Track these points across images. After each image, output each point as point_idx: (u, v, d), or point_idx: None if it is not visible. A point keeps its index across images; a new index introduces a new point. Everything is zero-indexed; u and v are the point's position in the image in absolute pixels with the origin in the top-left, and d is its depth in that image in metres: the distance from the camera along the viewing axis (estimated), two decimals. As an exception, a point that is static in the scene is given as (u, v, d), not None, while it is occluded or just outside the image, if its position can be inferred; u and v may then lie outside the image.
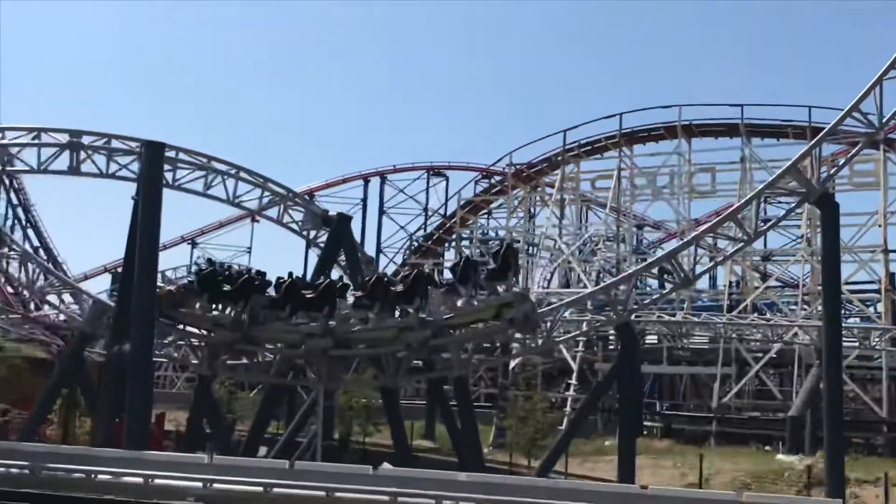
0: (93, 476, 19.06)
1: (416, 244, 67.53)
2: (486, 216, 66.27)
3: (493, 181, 64.08)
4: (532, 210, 61.09)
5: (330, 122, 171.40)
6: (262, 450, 31.91)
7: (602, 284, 33.26)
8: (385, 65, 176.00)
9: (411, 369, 30.10)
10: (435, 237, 64.87)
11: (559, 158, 55.85)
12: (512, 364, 43.01)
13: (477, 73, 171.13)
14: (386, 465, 21.29)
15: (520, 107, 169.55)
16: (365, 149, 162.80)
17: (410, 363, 28.43)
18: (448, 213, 66.81)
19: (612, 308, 27.01)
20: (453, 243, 63.96)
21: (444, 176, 72.07)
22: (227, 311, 26.77)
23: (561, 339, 31.37)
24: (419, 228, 71.10)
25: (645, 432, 36.10)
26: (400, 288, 26.64)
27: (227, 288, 27.02)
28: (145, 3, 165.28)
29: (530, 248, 60.71)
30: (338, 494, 18.11)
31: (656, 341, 46.16)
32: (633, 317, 29.86)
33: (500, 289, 26.41)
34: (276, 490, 18.26)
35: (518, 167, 58.45)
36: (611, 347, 43.69)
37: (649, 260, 39.14)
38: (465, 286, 26.45)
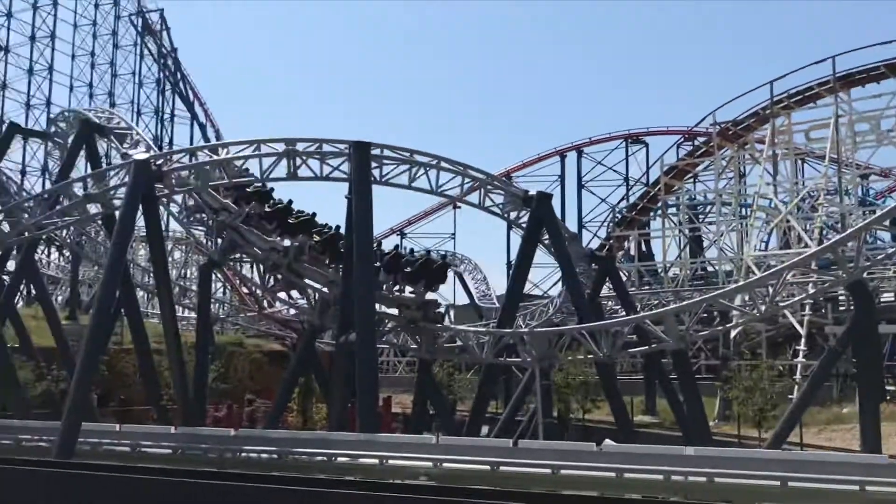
0: (333, 459, 20.38)
1: (619, 216, 66.07)
2: (691, 181, 63.53)
3: (696, 143, 61.27)
4: (742, 169, 57.73)
5: (520, 101, 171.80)
6: (484, 429, 32.71)
7: (827, 243, 30.80)
8: (570, 35, 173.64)
9: (626, 344, 29.65)
10: (639, 207, 63.04)
11: (767, 112, 52.27)
12: (733, 333, 41.05)
13: (669, 30, 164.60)
14: (608, 442, 21.08)
15: (719, 62, 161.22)
16: (558, 124, 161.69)
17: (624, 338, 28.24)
18: (651, 181, 64.79)
19: (840, 267, 25.04)
20: (659, 212, 61.92)
21: (643, 143, 69.98)
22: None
23: (785, 303, 29.52)
24: (621, 200, 69.57)
25: (888, 397, 33.20)
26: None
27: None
28: (337, 15, 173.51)
29: (743, 209, 57.56)
30: (563, 472, 18.20)
31: (893, 298, 42.38)
32: (864, 274, 27.45)
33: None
34: (503, 468, 18.65)
35: (723, 125, 55.42)
36: (841, 308, 40.55)
37: (880, 212, 35.78)
38: (391, 275, 31.55)
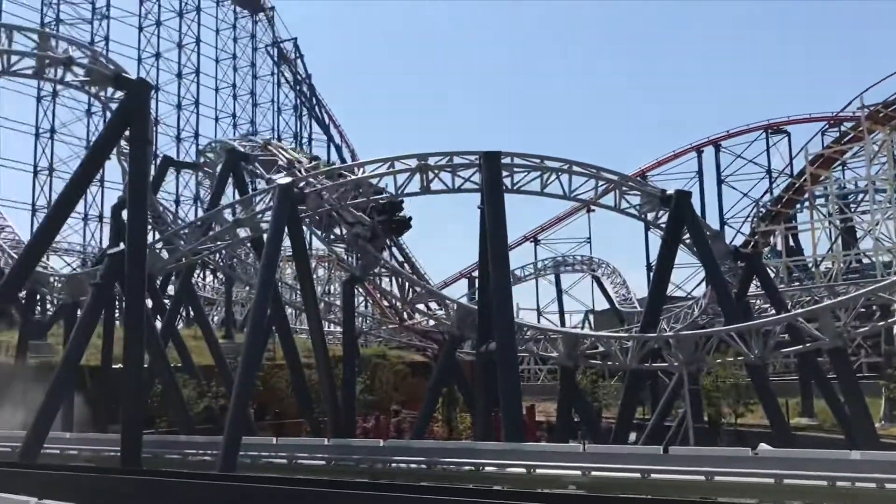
0: (480, 468, 20.50)
1: (763, 210, 63.28)
2: (840, 169, 60.08)
3: (843, 129, 57.96)
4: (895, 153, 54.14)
5: (651, 98, 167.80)
6: (632, 436, 32.04)
7: None
8: (697, 26, 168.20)
9: (778, 343, 28.36)
10: (784, 200, 60.18)
11: (922, 90, 48.82)
12: (896, 328, 38.49)
13: (805, 10, 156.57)
14: (764, 446, 20.23)
15: (863, 41, 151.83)
16: (692, 119, 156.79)
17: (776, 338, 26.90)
18: (795, 172, 61.76)
19: None
20: (806, 204, 58.85)
21: (784, 132, 66.80)
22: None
23: (956, 294, 27.42)
24: (764, 193, 66.64)
25: None
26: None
27: None
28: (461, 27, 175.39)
29: (899, 195, 53.82)
30: (718, 479, 17.57)
31: None
32: None
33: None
34: (653, 476, 18.20)
35: (872, 108, 52.16)
36: None
37: None
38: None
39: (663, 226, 31.74)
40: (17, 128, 72.20)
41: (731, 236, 63.70)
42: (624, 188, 31.75)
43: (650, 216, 32.46)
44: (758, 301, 42.21)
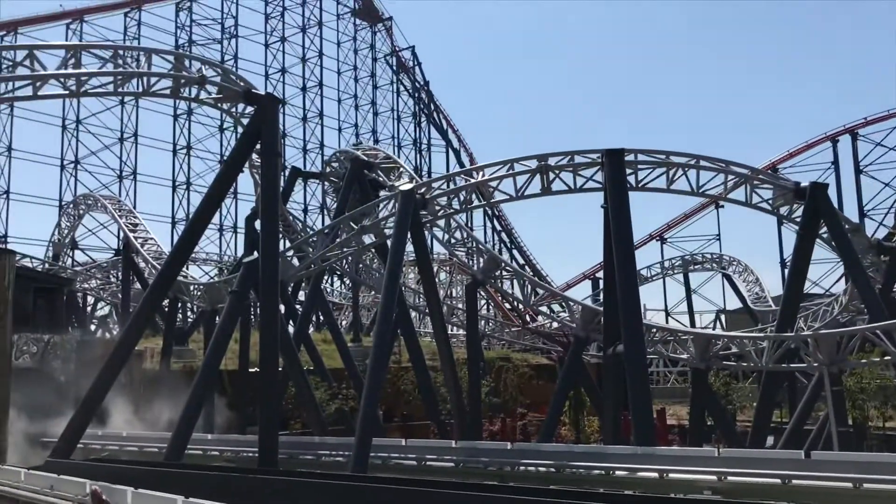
0: (611, 472, 20.09)
1: (908, 201, 59.47)
2: None
3: None
4: None
5: (778, 88, 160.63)
6: (769, 440, 30.72)
7: None
8: (827, 6, 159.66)
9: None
10: (932, 189, 56.40)
11: None
12: None
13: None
14: (918, 452, 18.89)
15: None
16: (825, 107, 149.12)
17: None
18: (945, 159, 57.79)
19: None
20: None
21: (930, 117, 62.69)
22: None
23: None
24: (909, 182, 62.69)
25: None
26: None
27: None
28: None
29: None
30: (867, 486, 16.56)
31: None
32: None
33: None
34: (795, 482, 17.35)
35: None
36: None
37: None
38: None
39: (798, 220, 30.26)
40: (157, 146, 76.74)
41: (872, 229, 60.31)
42: (755, 182, 30.44)
43: (783, 210, 31.00)
44: (905, 297, 39.65)
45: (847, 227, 31.65)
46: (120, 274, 56.12)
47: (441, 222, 33.25)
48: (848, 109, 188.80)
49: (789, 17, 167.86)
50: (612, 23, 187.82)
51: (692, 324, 66.15)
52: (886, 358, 26.57)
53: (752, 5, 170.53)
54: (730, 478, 18.25)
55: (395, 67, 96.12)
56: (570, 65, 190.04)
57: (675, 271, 68.50)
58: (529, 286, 38.23)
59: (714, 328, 64.61)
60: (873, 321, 27.71)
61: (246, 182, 79.61)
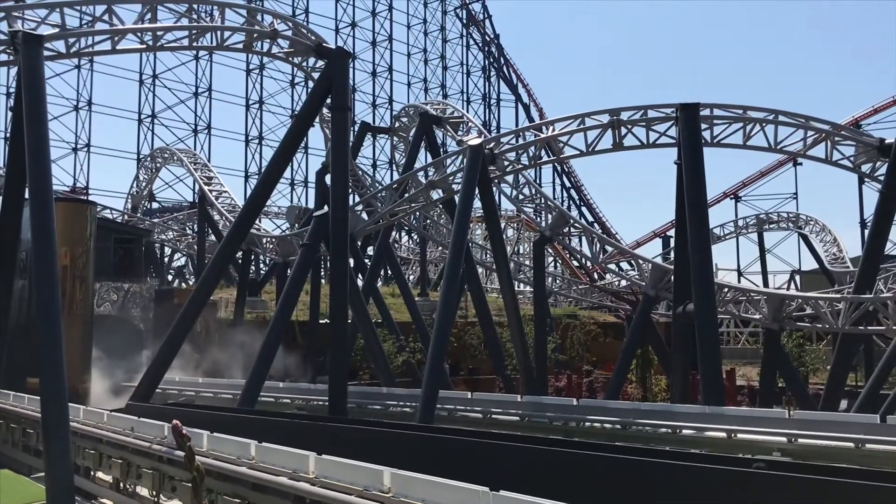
0: (678, 431, 19.94)
1: None
2: None
3: None
4: None
5: (863, 39, 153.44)
6: (843, 403, 30.03)
7: None
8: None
9: None
10: None
11: None
12: None
13: None
14: None
15: None
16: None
17: None
18: None
19: None
20: None
21: None
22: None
23: None
24: None
25: None
26: None
27: None
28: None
29: None
30: (946, 452, 16.08)
31: None
32: None
33: None
34: (869, 446, 16.94)
35: None
36: None
37: None
38: None
39: (881, 179, 29.08)
40: (230, 100, 77.99)
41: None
42: (836, 138, 29.30)
43: (866, 168, 29.81)
44: None
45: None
46: (195, 226, 57.65)
47: (509, 178, 33.08)
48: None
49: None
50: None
51: (765, 284, 64.66)
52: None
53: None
54: (800, 440, 17.92)
55: (464, 21, 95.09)
56: (644, 18, 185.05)
57: (749, 230, 66.78)
58: (598, 243, 37.84)
59: (788, 289, 63.01)
60: (958, 284, 26.67)
61: (316, 137, 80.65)
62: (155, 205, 69.34)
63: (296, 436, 15.34)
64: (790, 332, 34.70)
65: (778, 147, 29.23)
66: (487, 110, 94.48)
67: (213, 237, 53.26)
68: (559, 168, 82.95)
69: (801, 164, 64.72)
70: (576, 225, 36.84)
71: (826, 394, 28.95)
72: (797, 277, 67.25)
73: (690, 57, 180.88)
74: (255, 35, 26.81)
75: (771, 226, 66.39)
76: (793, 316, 30.03)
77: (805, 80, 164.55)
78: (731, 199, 70.08)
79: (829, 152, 29.32)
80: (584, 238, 38.45)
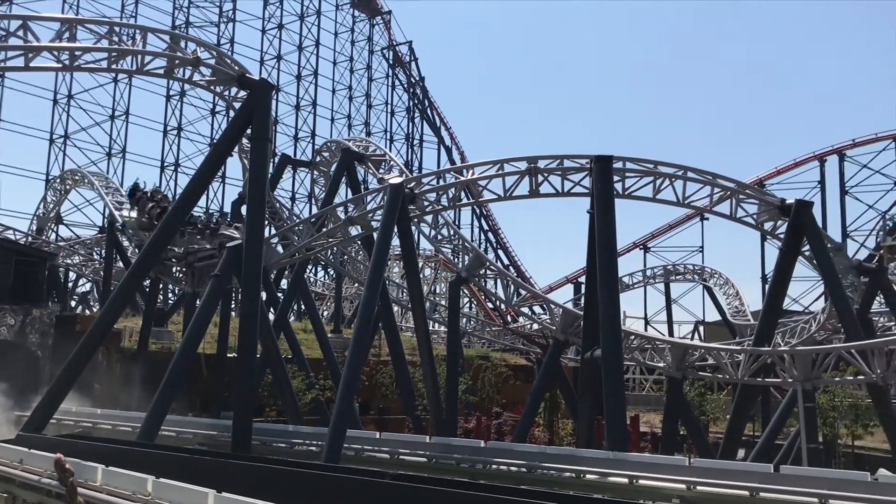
0: (582, 476, 20.20)
1: (890, 224, 60.09)
2: (979, 181, 56.43)
3: (983, 139, 54.39)
4: None
5: (770, 104, 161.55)
6: (740, 452, 30.97)
7: None
8: (824, 29, 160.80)
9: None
10: (915, 213, 56.99)
11: None
12: None
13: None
14: (884, 472, 19.07)
15: None
16: (815, 127, 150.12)
17: None
18: (928, 184, 58.41)
19: None
20: (940, 217, 55.46)
21: (917, 142, 63.31)
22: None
23: None
24: (892, 206, 63.39)
25: None
26: None
27: None
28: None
29: None
30: (832, 502, 16.73)
31: None
32: None
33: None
34: (763, 494, 17.51)
35: None
36: None
37: None
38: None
39: (781, 237, 30.51)
40: (148, 125, 76.37)
41: (853, 250, 61.00)
42: (741, 196, 30.65)
43: (768, 226, 31.24)
44: (881, 318, 40.12)
45: (829, 246, 31.92)
46: (103, 251, 55.82)
47: (429, 218, 33.30)
48: (837, 130, 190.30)
49: (780, 37, 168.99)
50: (608, 32, 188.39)
51: (670, 333, 66.59)
52: (860, 378, 26.87)
53: (756, 12, 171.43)
54: (699, 487, 18.39)
55: (391, 61, 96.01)
56: (564, 69, 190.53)
57: (657, 280, 68.96)
58: (512, 286, 38.34)
59: (692, 339, 65.00)
60: (849, 341, 28.01)
61: (235, 166, 79.36)
62: (62, 228, 66.94)
63: (196, 472, 14.91)
64: (692, 381, 35.73)
65: (686, 202, 30.32)
66: (410, 150, 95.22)
67: (120, 264, 51.66)
68: (478, 211, 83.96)
69: (707, 218, 67.30)
70: (492, 267, 37.27)
71: (725, 442, 29.84)
72: (701, 328, 69.52)
73: (610, 109, 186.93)
74: (177, 61, 26.49)
75: (677, 277, 68.69)
76: (695, 365, 30.96)
77: (715, 139, 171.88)
78: (641, 249, 72.31)
79: (734, 209, 30.60)
80: (499, 280, 38.93)
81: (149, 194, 44.17)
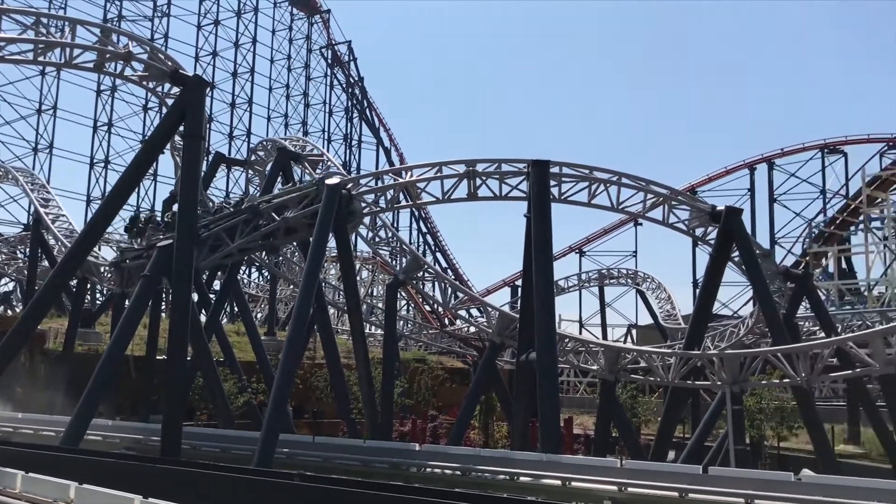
0: (515, 478, 20.31)
1: (815, 231, 62.09)
2: (898, 191, 58.71)
3: (903, 150, 56.68)
4: (958, 178, 52.68)
5: (704, 112, 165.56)
6: (671, 454, 31.54)
7: None
8: (755, 40, 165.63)
9: (826, 367, 27.68)
10: (838, 221, 58.98)
11: None
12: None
13: (868, 30, 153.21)
14: (807, 472, 19.65)
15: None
16: (746, 135, 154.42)
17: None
18: (851, 194, 60.49)
19: None
20: (861, 226, 57.55)
21: (841, 153, 65.52)
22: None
23: None
24: (818, 214, 65.49)
25: None
26: None
27: None
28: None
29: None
30: (758, 502, 17.16)
31: None
32: None
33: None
34: (692, 495, 17.85)
35: (934, 131, 50.84)
36: None
37: None
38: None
39: (712, 242, 31.22)
40: (77, 120, 74.14)
41: (781, 256, 62.76)
42: (673, 202, 31.29)
43: (699, 232, 31.95)
44: (807, 323, 41.40)
45: (758, 252, 32.80)
46: (28, 250, 53.95)
47: (366, 220, 33.07)
48: (767, 139, 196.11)
49: (716, 45, 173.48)
50: (547, 35, 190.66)
51: (604, 336, 67.58)
52: (786, 381, 27.63)
53: (695, 21, 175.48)
54: (630, 489, 18.68)
55: (329, 61, 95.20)
56: (504, 72, 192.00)
57: (592, 284, 69.92)
58: (450, 289, 38.37)
59: (625, 342, 66.08)
60: (776, 344, 28.79)
61: (167, 164, 77.76)
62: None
63: (122, 477, 14.44)
64: (625, 384, 36.28)
65: (620, 207, 30.80)
66: (348, 151, 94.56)
67: (46, 263, 49.99)
68: (416, 213, 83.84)
69: (641, 224, 68.53)
70: (430, 270, 37.24)
71: (656, 444, 30.36)
72: (634, 331, 70.73)
73: (550, 113, 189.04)
74: (108, 56, 25.78)
75: (611, 281, 69.79)
76: (628, 368, 31.45)
77: (650, 146, 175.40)
78: (577, 253, 73.23)
79: (667, 215, 31.21)
80: (436, 283, 38.90)
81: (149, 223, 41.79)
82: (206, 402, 35.73)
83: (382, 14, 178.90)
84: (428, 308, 69.43)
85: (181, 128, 26.64)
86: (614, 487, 18.77)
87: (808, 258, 59.19)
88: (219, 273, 42.47)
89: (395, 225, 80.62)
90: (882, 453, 31.57)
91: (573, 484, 19.42)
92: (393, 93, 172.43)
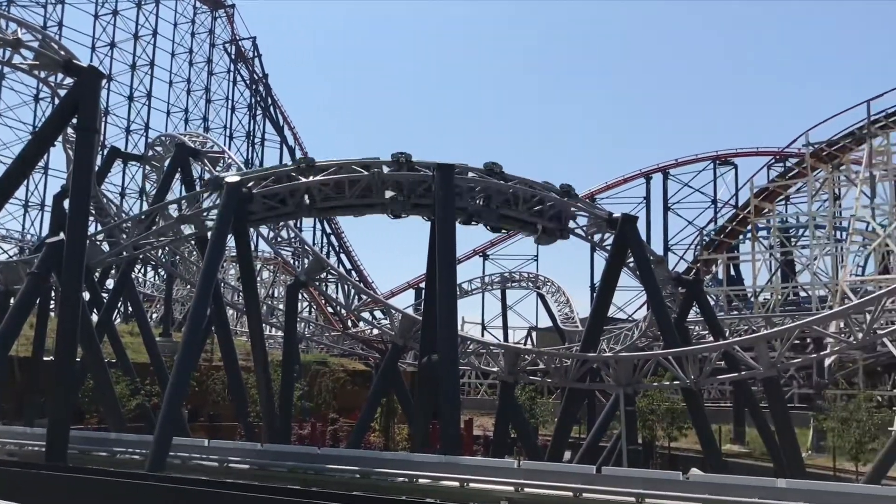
0: (414, 480, 20.35)
1: (706, 239, 64.64)
2: (783, 203, 61.76)
3: (788, 164, 59.66)
4: (837, 191, 55.79)
5: (603, 122, 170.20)
6: (567, 454, 32.23)
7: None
8: (654, 54, 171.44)
9: (714, 370, 28.86)
10: (728, 230, 61.57)
11: (864, 132, 50.58)
12: (827, 361, 39.47)
13: (759, 48, 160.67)
14: (695, 471, 20.47)
15: (812, 80, 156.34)
16: (643, 145, 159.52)
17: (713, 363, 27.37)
18: (740, 204, 63.27)
19: (946, 293, 23.83)
20: (748, 235, 60.26)
21: (732, 164, 68.48)
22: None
23: (884, 331, 28.26)
24: (709, 222, 68.17)
25: None
26: None
27: None
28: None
29: (838, 232, 55.49)
30: (648, 501, 17.71)
31: None
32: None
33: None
34: (585, 495, 18.28)
35: (816, 146, 53.79)
36: (947, 337, 38.53)
37: None
38: None
39: (608, 248, 32.07)
40: (-41, 108, 70.16)
41: (674, 262, 65.12)
42: (572, 209, 31.98)
43: (596, 238, 32.76)
44: (696, 327, 43.00)
45: (651, 258, 33.88)
46: None
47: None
48: (660, 151, 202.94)
49: (627, 55, 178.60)
50: (453, 36, 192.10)
51: (506, 338, 68.51)
52: (676, 382, 28.66)
53: (594, 36, 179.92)
54: (526, 489, 18.99)
55: (233, 56, 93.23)
56: (414, 72, 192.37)
57: (494, 287, 70.84)
58: (353, 291, 38.12)
59: (525, 344, 67.16)
60: (667, 348, 29.80)
61: (59, 157, 74.41)
62: None
63: (3, 484, 13.80)
64: (524, 385, 36.88)
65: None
66: (251, 149, 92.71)
67: (-78, 258, 47.15)
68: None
69: (543, 229, 69.60)
70: (332, 272, 36.87)
71: (552, 445, 30.97)
72: (534, 334, 71.96)
73: (455, 117, 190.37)
74: (-7, 41, 24.49)
75: (513, 284, 70.88)
76: (527, 370, 31.98)
77: (554, 153, 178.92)
78: (480, 256, 74.02)
79: (565, 221, 31.81)
80: (339, 285, 38.57)
81: None
82: (97, 405, 34.40)
83: (288, 11, 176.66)
84: (330, 310, 68.85)
85: (74, 120, 25.58)
86: (511, 488, 19.03)
87: (698, 265, 61.56)
88: (112, 271, 40.97)
89: (298, 225, 79.50)
90: (764, 452, 33.10)
91: (471, 485, 19.59)
92: (299, 91, 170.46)
